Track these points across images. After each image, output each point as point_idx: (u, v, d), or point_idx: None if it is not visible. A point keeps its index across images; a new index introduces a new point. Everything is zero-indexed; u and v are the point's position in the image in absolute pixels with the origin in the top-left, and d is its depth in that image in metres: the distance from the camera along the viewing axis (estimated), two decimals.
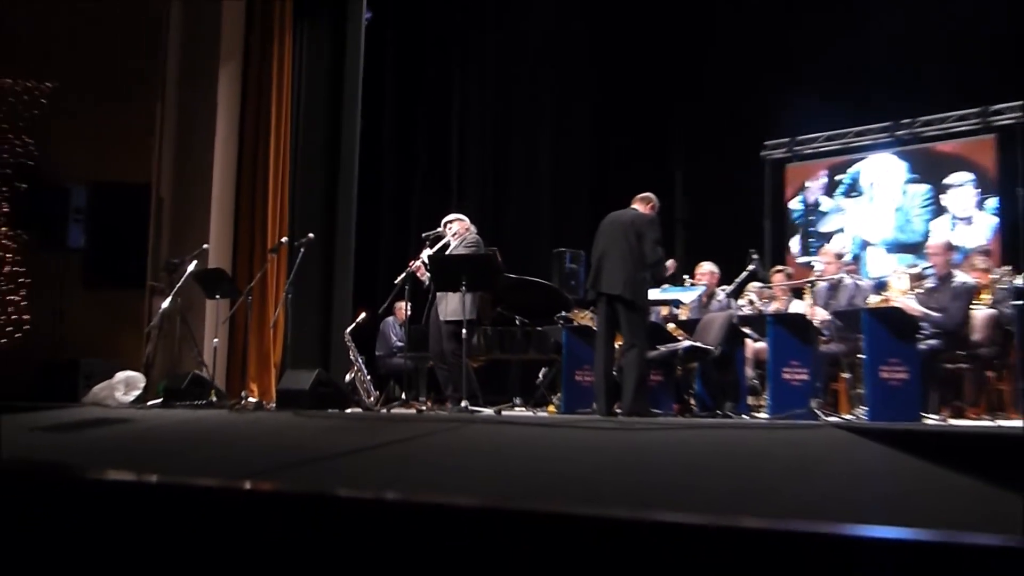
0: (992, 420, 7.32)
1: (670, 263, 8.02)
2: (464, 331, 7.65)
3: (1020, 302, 8.27)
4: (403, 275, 8.47)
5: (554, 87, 13.81)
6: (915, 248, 11.26)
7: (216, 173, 10.60)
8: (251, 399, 9.15)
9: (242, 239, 10.72)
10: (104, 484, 3.69)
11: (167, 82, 10.60)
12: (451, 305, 8.03)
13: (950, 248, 8.10)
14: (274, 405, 8.68)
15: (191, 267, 9.16)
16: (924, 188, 11.89)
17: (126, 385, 8.97)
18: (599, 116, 13.95)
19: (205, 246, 9.84)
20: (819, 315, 8.07)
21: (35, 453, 5.66)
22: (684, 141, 13.66)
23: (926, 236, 11.08)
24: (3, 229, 9.82)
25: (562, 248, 11.02)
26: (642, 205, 7.68)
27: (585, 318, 9.16)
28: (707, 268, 9.23)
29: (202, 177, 10.58)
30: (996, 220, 11.24)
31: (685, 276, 9.75)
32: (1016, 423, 7.42)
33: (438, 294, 8.25)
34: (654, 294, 8.32)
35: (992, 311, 7.98)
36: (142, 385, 9.01)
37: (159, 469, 4.75)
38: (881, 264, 11.58)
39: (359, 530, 2.88)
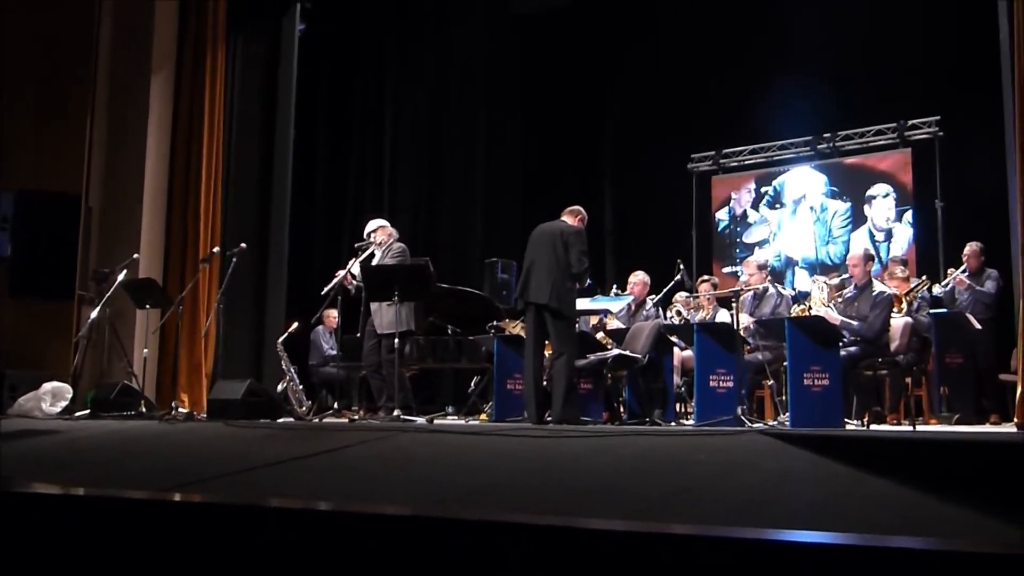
0: (911, 425, 7.43)
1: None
2: (397, 341, 7.64)
3: (937, 311, 8.44)
4: (332, 285, 8.45)
5: (486, 100, 13.82)
6: (836, 269, 11.31)
7: (147, 182, 10.45)
8: (182, 409, 9.01)
9: (173, 249, 10.57)
10: (30, 497, 3.61)
11: (98, 91, 10.43)
12: (387, 318, 7.99)
13: (869, 258, 8.21)
14: (205, 415, 8.56)
15: (121, 276, 9.05)
16: (845, 206, 12.05)
17: (53, 396, 8.78)
18: (530, 129, 14.00)
19: (135, 255, 9.72)
20: (746, 323, 8.15)
21: None
22: (613, 153, 13.75)
23: (846, 255, 11.22)
24: None
25: (494, 258, 11.04)
26: (571, 217, 7.72)
27: (516, 327, 9.17)
28: (639, 277, 9.27)
29: (133, 186, 10.43)
30: (912, 232, 11.44)
31: (615, 286, 9.81)
32: (934, 428, 7.56)
33: (372, 306, 8.21)
34: (584, 303, 8.35)
35: (909, 319, 8.12)
36: (69, 396, 8.83)
37: (87, 481, 4.67)
38: (805, 282, 11.67)
39: (290, 541, 2.84)
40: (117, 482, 4.71)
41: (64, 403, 8.76)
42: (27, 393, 8.83)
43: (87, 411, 8.59)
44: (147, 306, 9.37)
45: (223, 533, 2.97)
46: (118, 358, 9.64)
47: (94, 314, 9.01)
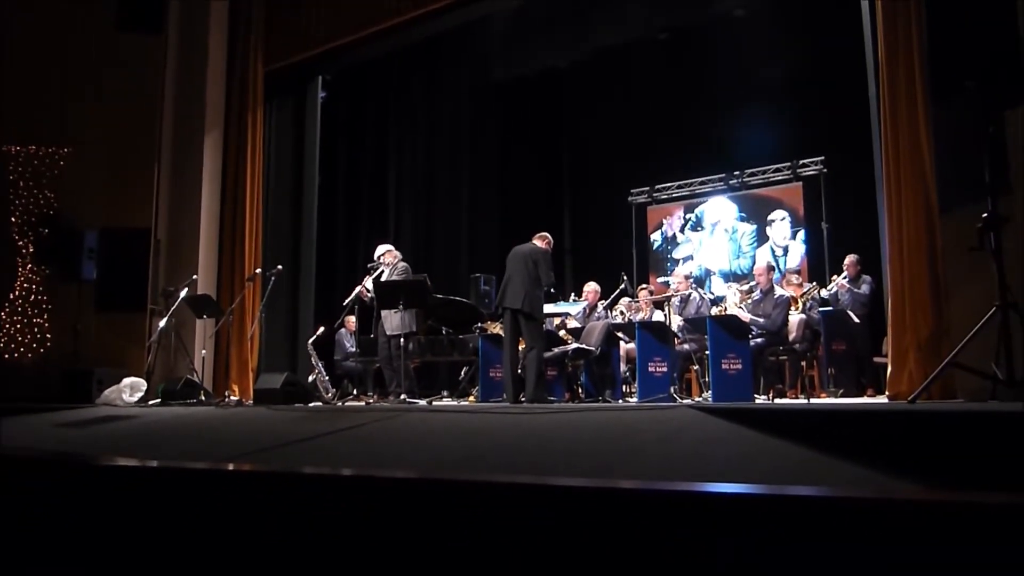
0: (806, 399, 7.46)
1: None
2: (403, 340, 7.64)
3: (824, 309, 8.48)
4: (351, 297, 8.47)
5: (470, 150, 13.82)
6: (745, 277, 11.27)
7: (203, 218, 10.41)
8: (233, 397, 8.97)
9: (224, 270, 10.51)
10: (113, 469, 3.57)
11: (163, 147, 10.42)
12: (394, 322, 7.98)
13: (771, 269, 8.26)
14: (252, 402, 8.52)
15: (183, 293, 9.00)
16: (751, 228, 12.11)
17: (131, 388, 8.73)
18: (506, 170, 14.00)
19: (194, 276, 9.67)
20: (676, 321, 8.17)
21: (58, 444, 5.47)
22: (570, 189, 13.81)
23: (753, 267, 11.22)
24: (29, 266, 9.63)
25: (477, 274, 11.03)
26: (540, 241, 7.73)
27: (496, 328, 9.17)
28: (592, 287, 9.29)
29: (192, 222, 10.39)
30: (804, 248, 11.50)
31: (573, 293, 9.82)
32: (824, 400, 7.60)
33: (383, 312, 8.19)
34: (549, 308, 8.36)
35: (803, 316, 8.16)
36: (144, 388, 8.77)
37: (159, 455, 4.63)
38: (720, 288, 11.67)
39: (321, 500, 2.83)
40: (183, 456, 4.68)
41: (140, 394, 8.71)
42: (111, 386, 8.79)
43: (158, 400, 8.55)
44: (204, 316, 9.36)
45: (268, 495, 2.96)
46: (182, 358, 9.58)
47: (163, 323, 8.95)
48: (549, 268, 7.48)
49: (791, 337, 7.89)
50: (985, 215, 4.85)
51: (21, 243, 9.72)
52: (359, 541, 2.64)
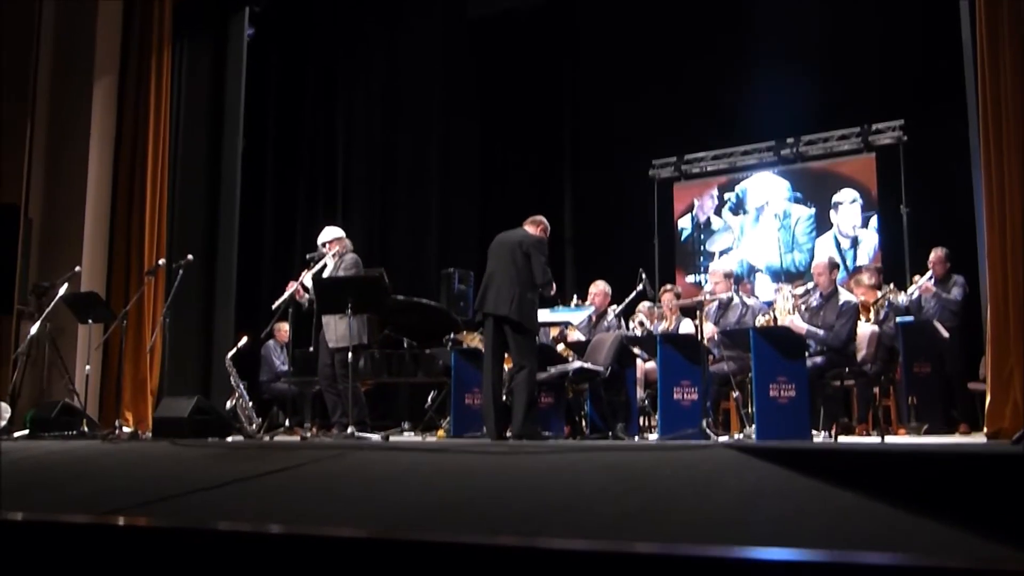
0: (879, 437, 7.47)
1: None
2: (351, 355, 7.61)
3: (904, 319, 8.49)
4: (282, 298, 8.40)
5: (441, 104, 13.80)
6: (801, 277, 11.18)
7: (90, 192, 10.34)
8: (126, 428, 8.92)
9: (117, 261, 10.46)
10: None
11: (38, 97, 10.32)
12: (339, 331, 7.94)
13: (834, 267, 8.25)
14: (150, 434, 8.47)
15: (62, 290, 8.95)
16: (809, 212, 12.11)
17: None
18: (487, 133, 13.99)
19: (77, 268, 9.61)
20: (710, 333, 8.16)
21: None
22: (572, 159, 13.75)
23: (811, 263, 11.21)
24: None
25: (450, 268, 11.00)
26: (532, 227, 7.69)
27: (474, 340, 9.16)
28: (600, 287, 9.26)
29: (75, 196, 10.32)
30: (877, 238, 11.51)
31: (575, 296, 9.81)
32: (903, 439, 7.62)
33: (324, 319, 8.15)
34: (544, 315, 8.33)
35: (875, 328, 8.16)
36: (7, 415, 8.70)
37: (26, 505, 4.59)
38: (768, 289, 11.66)
39: (240, 565, 2.81)
40: (58, 506, 4.64)
41: (2, 423, 8.63)
42: None
43: (26, 431, 8.49)
44: (89, 321, 9.29)
45: (170, 558, 2.93)
46: (59, 375, 9.51)
47: (34, 329, 8.89)
48: (545, 263, 7.46)
49: (860, 355, 7.90)
50: None
51: None
52: None
